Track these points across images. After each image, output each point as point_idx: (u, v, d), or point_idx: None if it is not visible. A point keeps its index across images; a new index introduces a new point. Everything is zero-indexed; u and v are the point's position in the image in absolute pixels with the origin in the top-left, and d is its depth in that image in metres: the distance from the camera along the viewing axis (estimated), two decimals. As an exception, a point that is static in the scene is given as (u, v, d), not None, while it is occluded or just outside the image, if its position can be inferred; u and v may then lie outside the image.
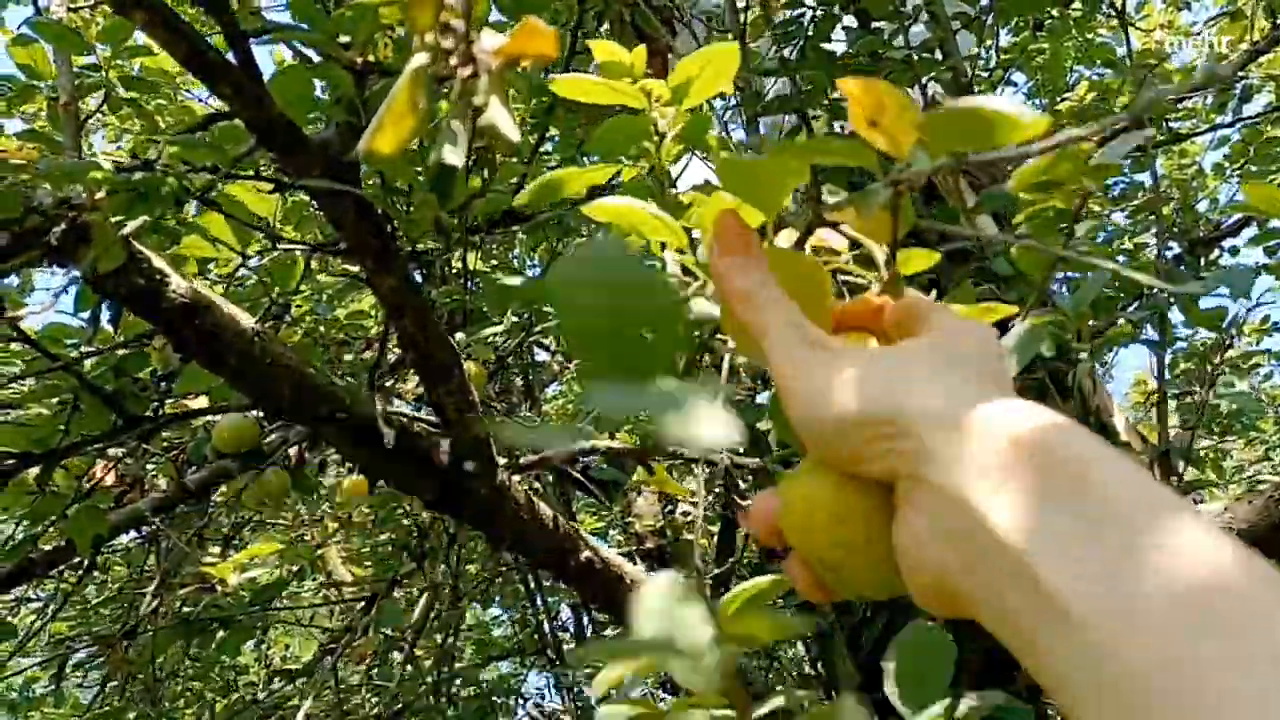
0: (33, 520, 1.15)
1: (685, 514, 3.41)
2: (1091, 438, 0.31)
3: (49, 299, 1.09)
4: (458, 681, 2.97)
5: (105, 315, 1.18)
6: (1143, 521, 0.28)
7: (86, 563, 1.42)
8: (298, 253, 1.51)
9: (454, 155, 0.50)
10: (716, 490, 3.05)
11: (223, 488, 1.77)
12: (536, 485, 1.33)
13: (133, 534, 1.99)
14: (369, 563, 2.89)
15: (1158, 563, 0.27)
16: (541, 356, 3.26)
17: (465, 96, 0.47)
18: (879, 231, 0.51)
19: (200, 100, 2.64)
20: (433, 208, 0.83)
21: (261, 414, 1.49)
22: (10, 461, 1.04)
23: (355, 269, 2.02)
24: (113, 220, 0.75)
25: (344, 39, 0.73)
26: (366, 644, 2.47)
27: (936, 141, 0.42)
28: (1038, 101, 3.46)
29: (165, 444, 1.55)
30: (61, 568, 1.38)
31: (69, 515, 1.13)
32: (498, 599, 3.39)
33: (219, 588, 1.34)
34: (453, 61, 0.46)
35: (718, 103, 2.19)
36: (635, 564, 1.38)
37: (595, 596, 1.36)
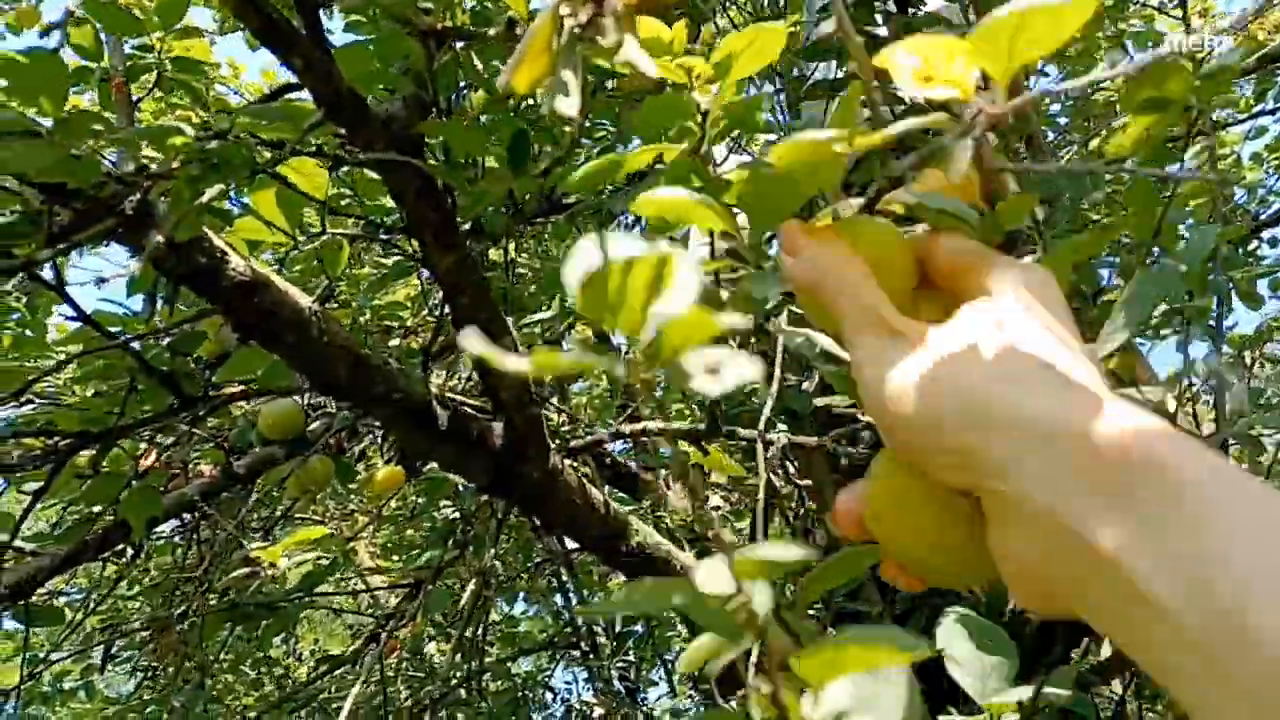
0: (89, 501, 1.15)
1: (716, 508, 3.39)
2: (1186, 440, 0.29)
3: (102, 279, 1.08)
4: (486, 675, 2.97)
5: (159, 298, 1.18)
6: (1255, 534, 0.27)
7: (132, 550, 1.42)
8: (342, 238, 1.51)
9: (567, 105, 0.49)
10: (748, 483, 3.03)
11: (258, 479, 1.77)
12: (586, 470, 1.33)
13: (173, 523, 2.00)
14: (397, 557, 2.89)
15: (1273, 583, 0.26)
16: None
17: (574, 44, 0.46)
18: (964, 189, 0.49)
19: (234, 95, 2.66)
20: (505, 180, 0.82)
21: (314, 396, 1.49)
22: (68, 441, 1.04)
23: (389, 262, 2.02)
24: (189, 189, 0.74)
25: (424, 4, 0.72)
26: (396, 640, 2.46)
27: (997, 62, 0.40)
28: (1070, 93, 3.43)
29: (212, 430, 1.55)
30: (106, 554, 1.38)
31: (123, 497, 1.12)
32: (523, 595, 3.39)
33: (264, 572, 1.34)
34: (565, 10, 0.45)
35: (767, 87, 2.17)
36: (683, 549, 1.37)
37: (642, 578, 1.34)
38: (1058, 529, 0.29)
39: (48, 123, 0.79)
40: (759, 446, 1.01)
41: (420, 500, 2.52)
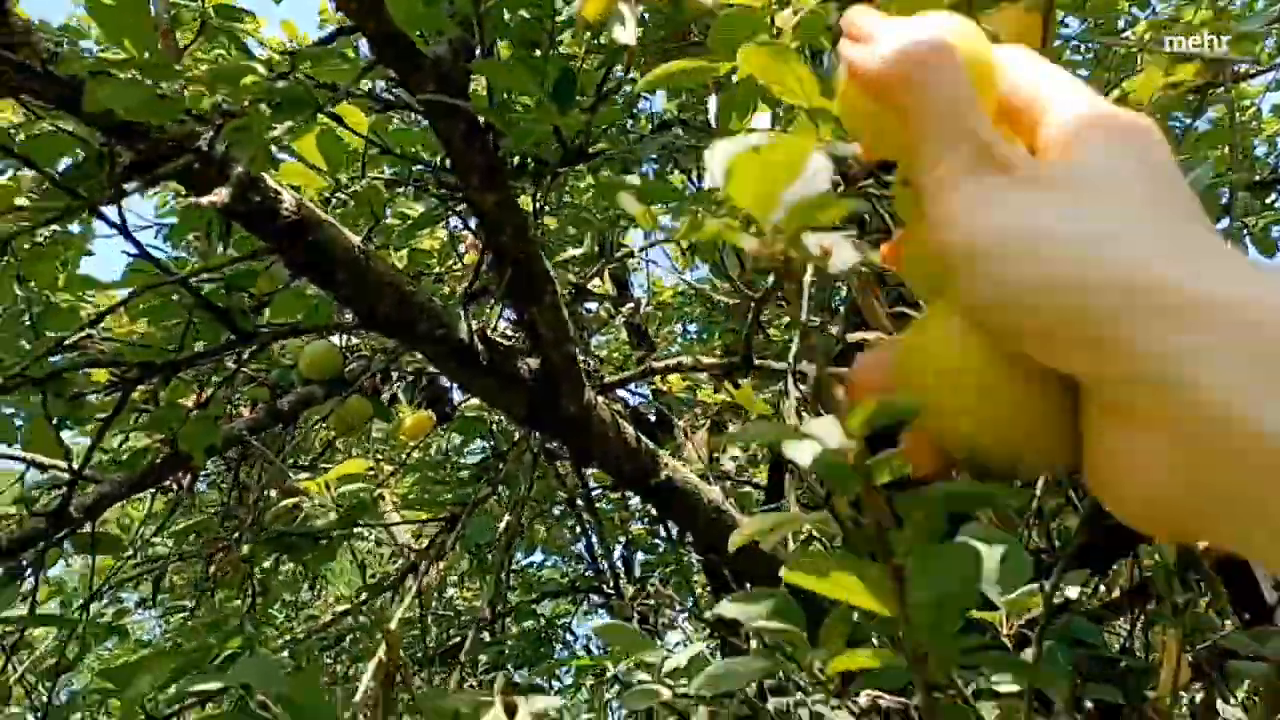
0: (152, 430, 1.22)
1: (734, 459, 3.46)
2: None
3: (179, 198, 1.13)
4: (508, 619, 3.07)
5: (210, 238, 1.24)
6: None
7: (189, 479, 1.49)
8: (378, 183, 1.55)
9: (625, 35, 0.53)
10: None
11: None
12: (618, 408, 1.38)
13: (213, 461, 2.07)
14: (418, 506, 2.97)
15: None
16: (590, 305, 3.30)
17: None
18: (1029, 30, 0.48)
19: (258, 48, 2.69)
20: (551, 116, 0.87)
21: (351, 338, 1.55)
22: (133, 373, 1.10)
23: (416, 212, 2.07)
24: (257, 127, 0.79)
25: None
26: (425, 584, 2.55)
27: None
28: (1091, 44, 3.42)
29: (255, 371, 1.61)
30: (161, 484, 1.45)
31: (183, 429, 1.18)
32: (541, 547, 3.47)
33: (312, 503, 1.41)
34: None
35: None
36: (710, 483, 1.42)
37: (674, 513, 1.41)
38: (1234, 431, 0.23)
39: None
40: (789, 379, 1.06)
41: (448, 446, 2.59)
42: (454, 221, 1.98)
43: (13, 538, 1.12)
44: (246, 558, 1.50)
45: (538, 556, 3.85)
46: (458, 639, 3.01)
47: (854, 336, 0.96)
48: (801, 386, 1.03)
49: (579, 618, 3.83)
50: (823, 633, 0.61)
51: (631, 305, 3.07)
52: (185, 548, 1.89)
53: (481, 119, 0.99)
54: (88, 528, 1.35)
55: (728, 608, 0.73)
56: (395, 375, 2.10)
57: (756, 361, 1.17)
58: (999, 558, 0.85)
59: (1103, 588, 2.31)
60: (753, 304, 1.09)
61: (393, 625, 1.25)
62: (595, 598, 3.44)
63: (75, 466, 1.14)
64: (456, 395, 2.45)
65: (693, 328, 4.29)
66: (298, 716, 0.80)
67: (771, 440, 0.36)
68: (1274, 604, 1.44)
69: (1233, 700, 1.39)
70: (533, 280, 1.14)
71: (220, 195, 0.75)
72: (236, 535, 1.52)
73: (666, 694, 0.85)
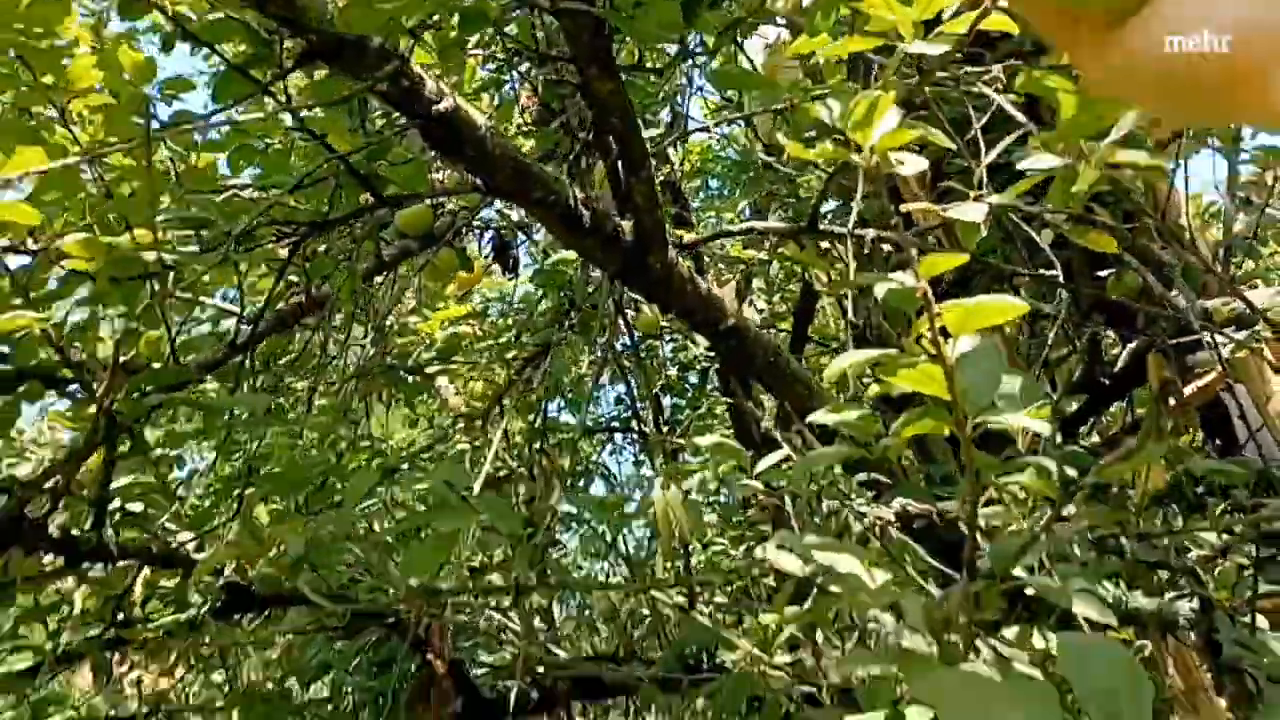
0: (310, 277, 1.44)
1: (760, 311, 3.69)
2: None
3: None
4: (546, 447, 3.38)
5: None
6: None
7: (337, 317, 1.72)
8: (473, 59, 1.71)
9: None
10: (796, 282, 3.30)
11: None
12: (690, 264, 1.59)
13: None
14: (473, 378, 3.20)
15: None
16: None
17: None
18: None
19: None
20: (677, 27, 1.04)
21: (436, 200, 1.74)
22: (302, 230, 1.31)
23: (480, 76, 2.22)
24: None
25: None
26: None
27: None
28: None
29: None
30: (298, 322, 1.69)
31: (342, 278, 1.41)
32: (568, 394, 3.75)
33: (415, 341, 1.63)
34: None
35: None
36: (764, 329, 1.65)
37: (736, 355, 1.64)
38: None
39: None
40: (848, 241, 1.26)
41: (511, 295, 2.81)
42: (515, 83, 2.14)
43: (200, 363, 1.36)
44: (389, 381, 1.75)
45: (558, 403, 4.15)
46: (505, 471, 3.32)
47: (906, 208, 1.15)
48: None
49: (607, 456, 4.16)
50: (896, 425, 0.84)
51: (669, 165, 3.23)
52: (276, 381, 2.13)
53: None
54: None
55: (821, 416, 0.95)
56: (465, 230, 2.30)
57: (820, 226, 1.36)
58: (1019, 385, 1.08)
59: (1096, 436, 2.59)
60: (827, 178, 1.28)
61: (495, 446, 1.49)
62: (619, 438, 3.78)
63: (242, 309, 1.36)
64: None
65: (714, 183, 4.44)
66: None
67: (870, 284, 0.59)
68: (1244, 441, 1.69)
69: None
70: (634, 157, 1.33)
71: (447, 104, 0.94)
72: (361, 370, 1.77)
73: (759, 485, 1.10)
